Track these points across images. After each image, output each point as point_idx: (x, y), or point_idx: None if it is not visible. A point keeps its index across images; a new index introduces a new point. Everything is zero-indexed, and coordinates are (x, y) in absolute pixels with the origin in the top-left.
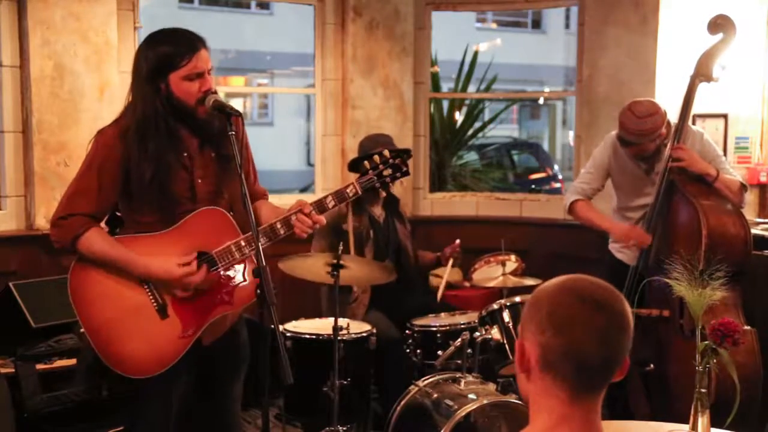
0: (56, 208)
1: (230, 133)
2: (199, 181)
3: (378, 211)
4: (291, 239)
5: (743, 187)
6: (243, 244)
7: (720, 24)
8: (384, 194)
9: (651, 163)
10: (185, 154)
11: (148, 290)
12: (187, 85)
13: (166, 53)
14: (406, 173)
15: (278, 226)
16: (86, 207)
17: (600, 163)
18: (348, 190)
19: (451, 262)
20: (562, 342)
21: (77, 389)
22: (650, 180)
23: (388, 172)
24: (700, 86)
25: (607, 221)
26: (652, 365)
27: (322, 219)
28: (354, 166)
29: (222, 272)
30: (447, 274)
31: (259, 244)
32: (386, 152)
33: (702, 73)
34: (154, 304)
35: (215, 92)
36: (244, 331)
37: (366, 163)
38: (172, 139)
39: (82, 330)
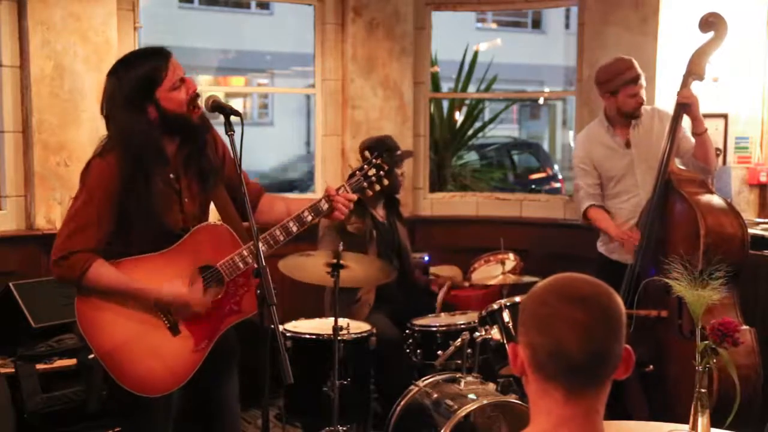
0: (56, 246)
1: (229, 133)
2: (186, 200)
3: (380, 212)
4: (293, 240)
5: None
6: (246, 254)
7: (711, 22)
8: (370, 194)
9: (625, 136)
10: (172, 176)
11: (157, 309)
12: (175, 94)
13: (144, 73)
14: (394, 163)
15: (291, 224)
16: (87, 243)
17: (582, 155)
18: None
19: (444, 289)
20: (546, 340)
21: (78, 389)
22: (629, 153)
23: (372, 171)
24: (693, 85)
25: (606, 223)
26: (651, 366)
27: (353, 196)
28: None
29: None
30: (442, 295)
31: (259, 244)
32: (367, 153)
33: (694, 71)
34: (165, 322)
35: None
36: (233, 328)
37: (351, 165)
38: (165, 164)
39: (92, 356)
